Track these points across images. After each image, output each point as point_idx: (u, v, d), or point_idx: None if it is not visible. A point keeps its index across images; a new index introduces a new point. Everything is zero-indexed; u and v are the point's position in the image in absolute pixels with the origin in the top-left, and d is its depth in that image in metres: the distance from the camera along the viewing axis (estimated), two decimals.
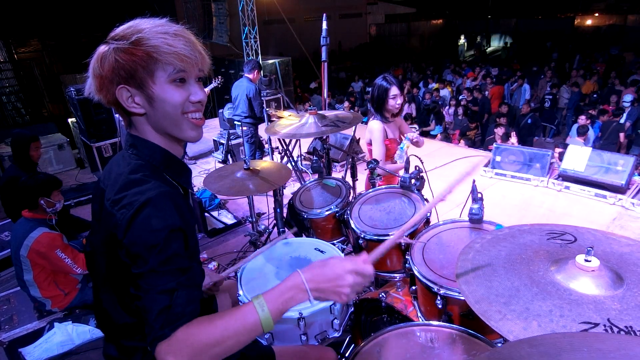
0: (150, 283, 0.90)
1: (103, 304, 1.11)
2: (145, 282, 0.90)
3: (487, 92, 10.17)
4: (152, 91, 0.98)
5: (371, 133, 2.89)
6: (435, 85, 11.48)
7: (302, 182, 3.38)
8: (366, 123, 3.22)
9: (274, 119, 4.77)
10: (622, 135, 6.98)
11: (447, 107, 9.69)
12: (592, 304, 0.94)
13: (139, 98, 0.99)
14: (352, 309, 1.81)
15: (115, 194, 0.96)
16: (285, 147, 4.64)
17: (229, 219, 4.26)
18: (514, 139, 6.08)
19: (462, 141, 7.50)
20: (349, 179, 2.78)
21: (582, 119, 6.73)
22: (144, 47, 0.94)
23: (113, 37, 0.97)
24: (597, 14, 20.41)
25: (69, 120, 7.41)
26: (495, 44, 22.93)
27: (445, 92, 10.89)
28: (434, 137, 8.64)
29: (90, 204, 1.19)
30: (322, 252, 1.90)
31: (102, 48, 0.98)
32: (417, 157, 2.44)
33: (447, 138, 8.49)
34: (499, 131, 6.48)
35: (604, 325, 0.88)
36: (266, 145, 5.58)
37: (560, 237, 1.22)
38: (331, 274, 0.99)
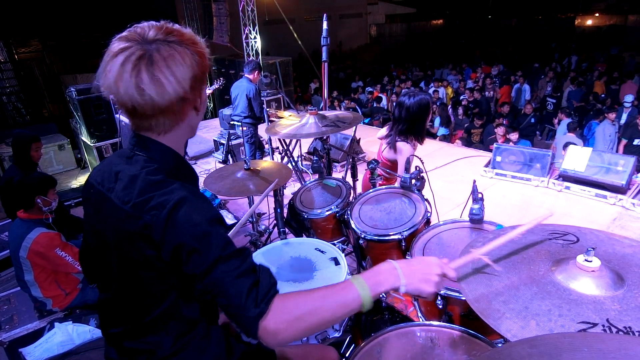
0: (223, 271, 0.89)
1: (111, 304, 1.10)
2: (215, 274, 0.89)
3: (486, 93, 10.18)
4: (202, 94, 1.04)
5: (400, 153, 2.72)
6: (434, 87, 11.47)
7: (303, 182, 3.38)
8: (367, 124, 3.18)
9: (273, 119, 4.78)
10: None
11: (447, 107, 9.69)
12: (592, 304, 0.94)
13: (197, 100, 1.04)
14: None
15: (138, 197, 0.94)
16: (285, 147, 4.64)
17: (229, 219, 4.26)
18: (514, 137, 6.08)
19: (457, 142, 7.49)
20: (349, 179, 2.78)
21: (562, 116, 6.94)
22: (207, 56, 1.01)
23: (188, 40, 0.97)
24: (597, 14, 20.41)
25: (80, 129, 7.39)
26: None
27: (442, 92, 10.84)
28: (435, 137, 8.64)
29: (86, 205, 1.15)
30: (322, 252, 1.90)
31: (184, 48, 0.97)
32: (417, 157, 2.44)
33: (446, 138, 8.49)
34: (500, 131, 6.49)
35: (603, 325, 0.88)
36: (266, 146, 5.58)
37: (562, 238, 1.22)
38: (421, 263, 1.03)
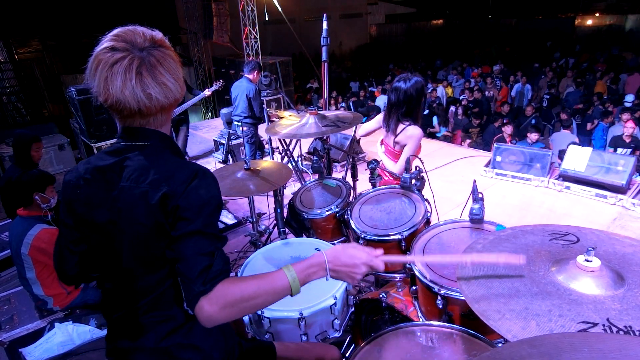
0: (195, 244, 1.00)
1: (116, 291, 1.14)
2: (188, 243, 1.00)
3: (487, 93, 10.18)
4: (183, 87, 1.11)
5: (412, 138, 2.60)
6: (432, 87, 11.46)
7: (303, 182, 3.38)
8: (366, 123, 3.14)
9: (274, 119, 4.77)
10: None
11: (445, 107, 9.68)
12: (592, 304, 0.94)
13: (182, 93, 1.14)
14: (353, 309, 1.81)
15: (155, 174, 1.03)
16: (285, 147, 4.64)
17: (229, 219, 4.26)
18: (534, 137, 6.04)
19: (466, 141, 7.47)
20: (349, 179, 2.78)
21: (564, 115, 7.09)
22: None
23: (165, 42, 1.06)
24: (597, 14, 20.40)
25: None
26: None
27: (440, 91, 10.81)
28: (435, 137, 8.64)
29: (73, 207, 1.14)
30: None
31: (169, 51, 1.06)
32: (417, 157, 2.44)
33: (447, 138, 8.49)
34: (507, 130, 6.47)
35: (603, 325, 0.88)
36: (266, 146, 5.58)
37: (562, 238, 1.22)
38: (349, 261, 1.14)
